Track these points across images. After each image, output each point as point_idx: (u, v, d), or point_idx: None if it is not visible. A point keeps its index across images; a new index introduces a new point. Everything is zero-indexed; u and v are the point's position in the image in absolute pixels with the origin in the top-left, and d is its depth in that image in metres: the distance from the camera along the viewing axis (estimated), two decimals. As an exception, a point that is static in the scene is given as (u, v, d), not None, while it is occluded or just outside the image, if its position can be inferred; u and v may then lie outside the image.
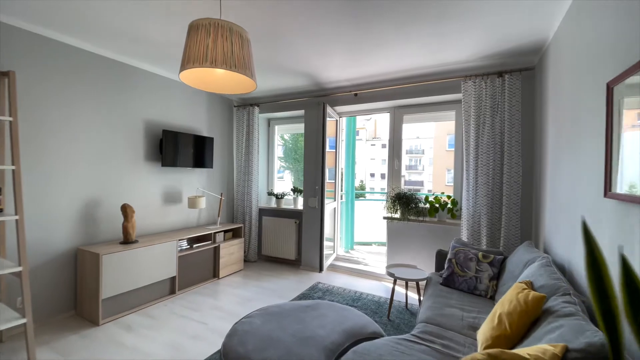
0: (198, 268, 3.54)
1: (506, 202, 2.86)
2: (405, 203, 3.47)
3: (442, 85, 3.31)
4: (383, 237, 5.50)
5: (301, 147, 5.27)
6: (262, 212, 4.54)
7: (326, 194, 4.10)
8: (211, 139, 3.97)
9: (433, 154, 21.60)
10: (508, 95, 2.86)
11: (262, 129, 4.65)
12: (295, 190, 4.35)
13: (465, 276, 2.53)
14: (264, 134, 4.73)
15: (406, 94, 3.51)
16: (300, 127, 4.62)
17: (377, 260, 4.43)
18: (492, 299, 2.39)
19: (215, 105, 4.21)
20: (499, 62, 2.95)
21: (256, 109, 4.29)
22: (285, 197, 4.51)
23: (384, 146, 29.66)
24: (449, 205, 3.38)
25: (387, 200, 3.69)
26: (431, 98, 3.49)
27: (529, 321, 1.43)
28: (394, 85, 3.49)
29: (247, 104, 4.40)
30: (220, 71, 1.71)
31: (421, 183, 44.48)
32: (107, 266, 2.59)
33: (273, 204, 4.62)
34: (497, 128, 2.92)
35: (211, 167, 3.99)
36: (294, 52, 2.82)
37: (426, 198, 3.50)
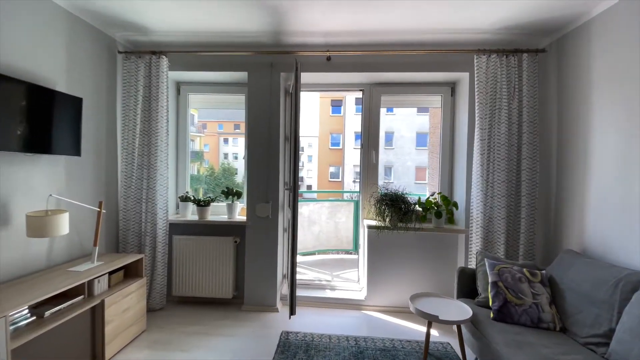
0: (61, 354, 1.77)
1: (526, 202, 2.43)
2: (395, 207, 2.66)
3: (441, 59, 2.65)
4: (326, 244, 4.61)
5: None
6: (174, 228, 2.89)
7: (284, 196, 2.89)
8: (76, 101, 2.13)
9: (318, 151, 22.19)
10: (527, 78, 2.43)
11: (171, 98, 2.95)
12: (228, 193, 2.92)
13: (523, 304, 1.92)
14: (173, 105, 3.04)
15: (393, 65, 2.69)
16: (230, 101, 3.18)
17: (337, 276, 3.51)
18: (563, 331, 1.86)
19: (84, 43, 2.32)
20: (513, 38, 2.50)
21: (163, 62, 2.62)
22: (214, 203, 3.00)
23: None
24: (449, 208, 2.77)
25: (375, 203, 2.80)
26: (422, 75, 2.79)
27: None
28: (382, 50, 2.61)
29: (146, 50, 2.64)
30: None
31: (301, 179, 45.89)
32: None
33: (191, 214, 3.02)
34: (514, 116, 2.46)
35: (76, 153, 2.15)
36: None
37: (418, 201, 2.80)
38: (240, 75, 2.85)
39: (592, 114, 2.12)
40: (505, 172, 2.44)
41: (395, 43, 2.60)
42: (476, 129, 2.51)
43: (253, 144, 2.77)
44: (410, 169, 23.17)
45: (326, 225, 4.62)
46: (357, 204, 4.62)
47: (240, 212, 3.01)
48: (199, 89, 3.12)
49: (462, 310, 1.99)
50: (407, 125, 22.91)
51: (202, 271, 2.81)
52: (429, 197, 2.86)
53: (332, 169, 24.09)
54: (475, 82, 2.50)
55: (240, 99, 3.10)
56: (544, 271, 2.09)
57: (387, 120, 23.04)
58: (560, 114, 2.42)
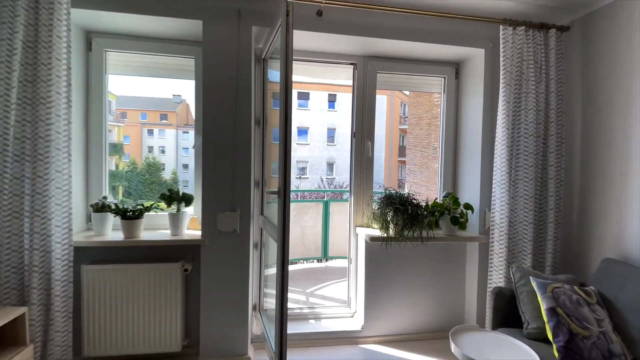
0: None
1: (553, 204, 2.08)
2: (404, 212, 2.10)
3: (453, 29, 2.15)
4: (291, 253, 3.88)
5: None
6: (83, 255, 1.88)
7: (257, 197, 2.13)
8: None
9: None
10: (554, 58, 2.06)
11: (76, 55, 1.90)
12: (171, 197, 2.01)
13: (590, 336, 1.52)
14: (79, 66, 2.00)
15: (395, 31, 2.09)
16: (169, 66, 2.24)
17: (312, 294, 2.86)
18: (638, 367, 1.50)
19: None
20: (537, 11, 2.12)
21: (60, -10, 1.61)
22: (150, 213, 2.06)
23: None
24: (461, 210, 2.30)
25: (379, 207, 2.19)
26: (423, 50, 2.27)
27: None
28: (385, 7, 2.00)
29: (25, -32, 1.59)
30: None
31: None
32: None
33: (113, 231, 2.02)
34: (541, 102, 2.08)
35: None
36: None
37: (427, 206, 2.27)
38: (190, 27, 1.96)
39: (633, 102, 1.82)
40: (533, 169, 2.06)
41: (402, 3, 2.01)
42: (500, 117, 2.07)
43: (210, 129, 1.93)
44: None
45: (292, 230, 3.90)
46: (326, 204, 4.00)
47: (190, 225, 2.14)
48: (121, 44, 2.11)
49: (521, 352, 1.50)
50: (348, 122, 23.22)
51: (133, 316, 1.87)
52: (436, 199, 2.37)
53: (274, 165, 22.99)
54: (501, 59, 2.05)
55: (187, 63, 2.19)
56: (592, 287, 1.73)
57: (329, 117, 23.00)
58: (586, 101, 2.12)
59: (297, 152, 22.18)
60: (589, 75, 2.10)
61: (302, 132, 22.57)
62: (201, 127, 1.94)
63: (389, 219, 2.12)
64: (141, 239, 1.90)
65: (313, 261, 4.05)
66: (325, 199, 4.05)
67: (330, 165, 23.36)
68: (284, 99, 1.49)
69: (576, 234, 2.18)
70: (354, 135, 2.39)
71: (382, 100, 23.32)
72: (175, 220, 2.00)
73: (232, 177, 1.94)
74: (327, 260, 4.04)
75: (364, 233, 2.23)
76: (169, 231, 2.03)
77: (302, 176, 22.22)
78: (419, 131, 3.13)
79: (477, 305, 2.25)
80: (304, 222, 3.95)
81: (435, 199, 2.46)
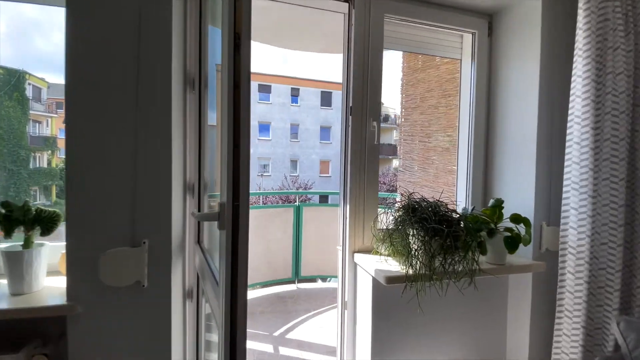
0: None
1: (647, 216, 1.41)
2: (437, 231, 1.29)
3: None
4: (252, 276, 2.95)
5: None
6: None
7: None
8: None
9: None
10: (649, -1, 1.39)
11: None
12: (12, 220, 1.01)
13: None
14: None
15: None
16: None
17: (283, 340, 2.00)
18: None
19: None
20: None
21: None
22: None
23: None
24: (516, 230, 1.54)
25: (396, 226, 1.35)
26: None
27: None
28: None
29: None
30: None
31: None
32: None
33: None
34: (630, 62, 1.39)
35: None
36: None
37: (465, 220, 1.48)
38: None
39: None
40: (626, 163, 1.36)
41: None
42: (580, 86, 1.35)
43: (84, 99, 0.96)
44: (315, 162, 22.74)
45: (253, 246, 2.97)
46: (298, 210, 3.13)
47: (61, 268, 1.15)
48: None
49: None
50: (312, 117, 22.35)
51: None
52: (473, 210, 1.61)
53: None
54: (590, 7, 1.32)
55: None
56: None
57: (292, 112, 21.96)
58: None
59: (259, 148, 20.87)
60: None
61: (264, 127, 21.30)
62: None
63: (414, 244, 1.30)
64: None
65: (279, 284, 3.15)
66: (297, 202, 3.17)
67: (294, 163, 22.35)
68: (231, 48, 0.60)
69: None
70: (349, 112, 1.54)
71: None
72: (17, 264, 1.00)
73: (132, 178, 0.99)
74: (299, 281, 3.17)
75: (367, 264, 1.40)
76: (6, 285, 1.02)
77: (265, 174, 20.97)
78: (419, 116, 2.37)
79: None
80: (269, 235, 3.03)
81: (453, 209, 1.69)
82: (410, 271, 1.28)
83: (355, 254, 1.53)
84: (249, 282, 2.89)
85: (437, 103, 2.28)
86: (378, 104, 1.56)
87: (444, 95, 2.22)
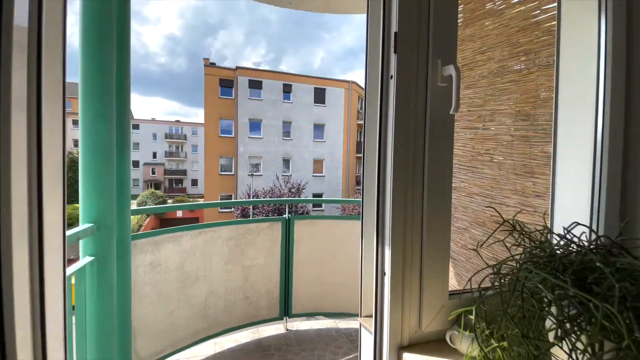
0: None
1: None
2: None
3: None
4: (226, 318, 2.09)
5: None
6: None
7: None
8: None
9: (204, 139, 18.19)
10: None
11: None
12: None
13: None
14: None
15: None
16: None
17: None
18: None
19: None
20: None
21: None
22: None
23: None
24: None
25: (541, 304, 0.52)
26: None
27: None
28: None
29: None
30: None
31: (184, 172, 39.09)
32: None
33: None
34: None
35: None
36: None
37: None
38: None
39: None
40: None
41: None
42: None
43: None
44: (308, 161, 21.80)
45: (224, 276, 2.11)
46: (288, 225, 2.30)
47: None
48: None
49: None
50: (305, 115, 21.39)
51: None
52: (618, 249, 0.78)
53: (222, 161, 20.38)
54: None
55: None
56: None
57: (284, 109, 20.95)
58: None
59: (250, 146, 19.83)
60: None
61: (255, 125, 20.26)
62: None
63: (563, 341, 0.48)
64: None
65: (261, 325, 2.29)
66: (285, 215, 2.33)
67: (287, 162, 21.34)
68: None
69: None
70: (393, 45, 0.71)
71: (339, 94, 21.90)
72: None
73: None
74: (289, 316, 2.33)
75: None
76: None
77: (256, 173, 19.93)
78: (464, 91, 1.54)
79: None
80: (248, 259, 2.18)
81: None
82: None
83: (405, 354, 0.70)
84: (221, 328, 2.01)
85: (501, 68, 1.46)
86: (453, 36, 0.74)
87: (512, 56, 1.40)
